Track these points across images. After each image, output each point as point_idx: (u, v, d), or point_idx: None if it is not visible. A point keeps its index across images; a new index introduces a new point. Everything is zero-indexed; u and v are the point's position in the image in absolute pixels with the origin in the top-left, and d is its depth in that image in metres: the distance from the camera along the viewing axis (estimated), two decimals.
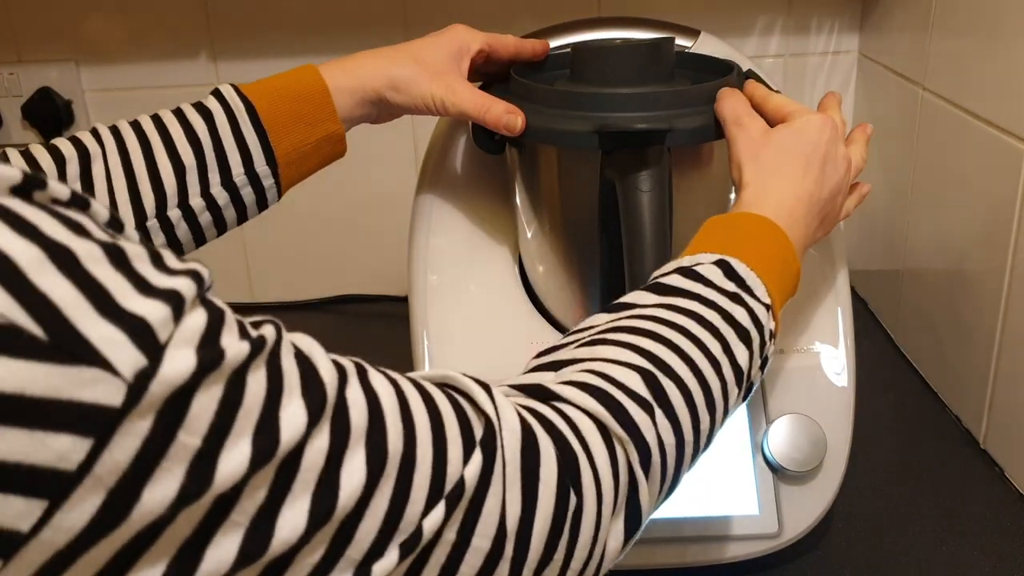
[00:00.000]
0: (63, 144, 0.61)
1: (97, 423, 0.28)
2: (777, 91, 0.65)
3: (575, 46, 0.70)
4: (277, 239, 1.15)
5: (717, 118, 0.63)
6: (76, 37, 1.07)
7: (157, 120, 0.64)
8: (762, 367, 0.54)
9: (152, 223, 0.63)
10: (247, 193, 0.65)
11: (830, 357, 0.72)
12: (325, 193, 1.10)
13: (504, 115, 0.65)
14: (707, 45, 0.77)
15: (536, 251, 0.74)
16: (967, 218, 0.85)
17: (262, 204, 0.67)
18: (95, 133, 0.63)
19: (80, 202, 0.31)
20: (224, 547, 0.32)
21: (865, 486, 0.79)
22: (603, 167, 0.65)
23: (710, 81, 0.66)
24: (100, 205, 0.33)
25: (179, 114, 0.64)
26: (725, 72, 0.68)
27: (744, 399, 0.53)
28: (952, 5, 0.87)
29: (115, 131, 0.63)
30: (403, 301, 0.77)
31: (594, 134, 0.62)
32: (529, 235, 0.74)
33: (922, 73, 0.93)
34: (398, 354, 0.69)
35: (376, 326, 1.13)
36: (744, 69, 0.71)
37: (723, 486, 0.70)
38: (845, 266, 0.74)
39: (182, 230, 0.64)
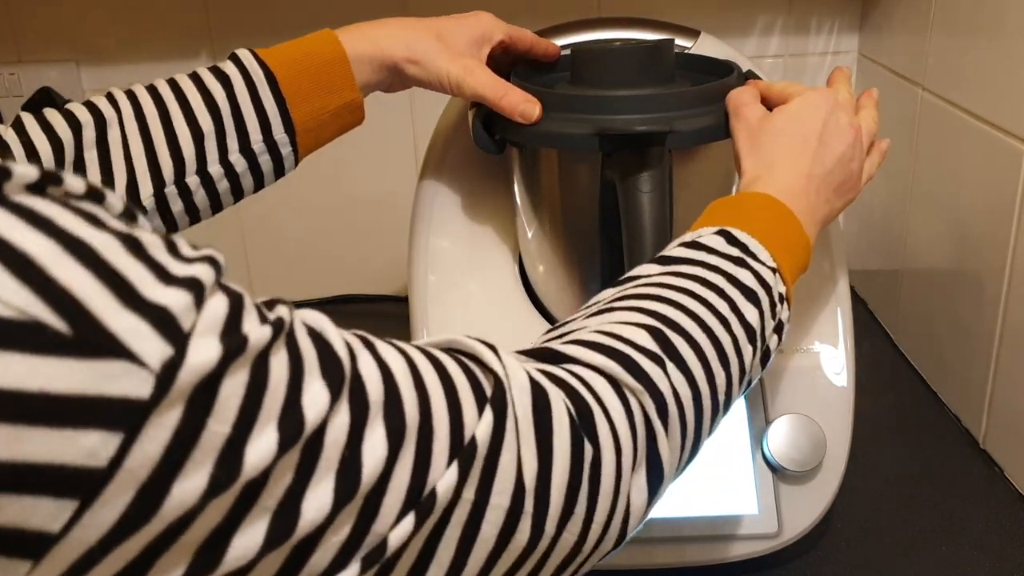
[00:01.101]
0: (78, 109, 0.61)
1: (126, 417, 0.28)
2: None
3: (574, 48, 0.70)
4: (277, 239, 1.15)
5: (717, 119, 0.64)
6: (76, 37, 1.07)
7: (174, 85, 0.63)
8: (777, 331, 0.54)
9: (170, 189, 0.62)
10: (265, 161, 0.65)
11: (830, 357, 0.72)
12: (325, 193, 1.11)
13: (522, 102, 0.65)
14: (707, 45, 0.77)
15: (536, 251, 0.74)
16: (967, 218, 0.85)
17: (279, 172, 0.67)
18: (111, 98, 0.62)
19: (95, 195, 0.31)
20: (251, 534, 0.32)
21: (865, 486, 0.79)
22: (604, 168, 0.65)
23: (710, 82, 0.66)
24: (115, 196, 0.32)
25: (196, 79, 0.63)
26: (725, 73, 0.68)
27: (764, 363, 0.53)
28: (952, 5, 0.87)
29: (131, 96, 0.62)
30: (403, 301, 0.77)
31: (594, 137, 0.62)
32: (529, 235, 0.74)
33: (921, 73, 0.93)
34: None
35: (376, 326, 1.12)
36: (744, 69, 0.71)
37: (723, 486, 0.70)
38: (845, 266, 0.74)
39: (199, 197, 0.64)
